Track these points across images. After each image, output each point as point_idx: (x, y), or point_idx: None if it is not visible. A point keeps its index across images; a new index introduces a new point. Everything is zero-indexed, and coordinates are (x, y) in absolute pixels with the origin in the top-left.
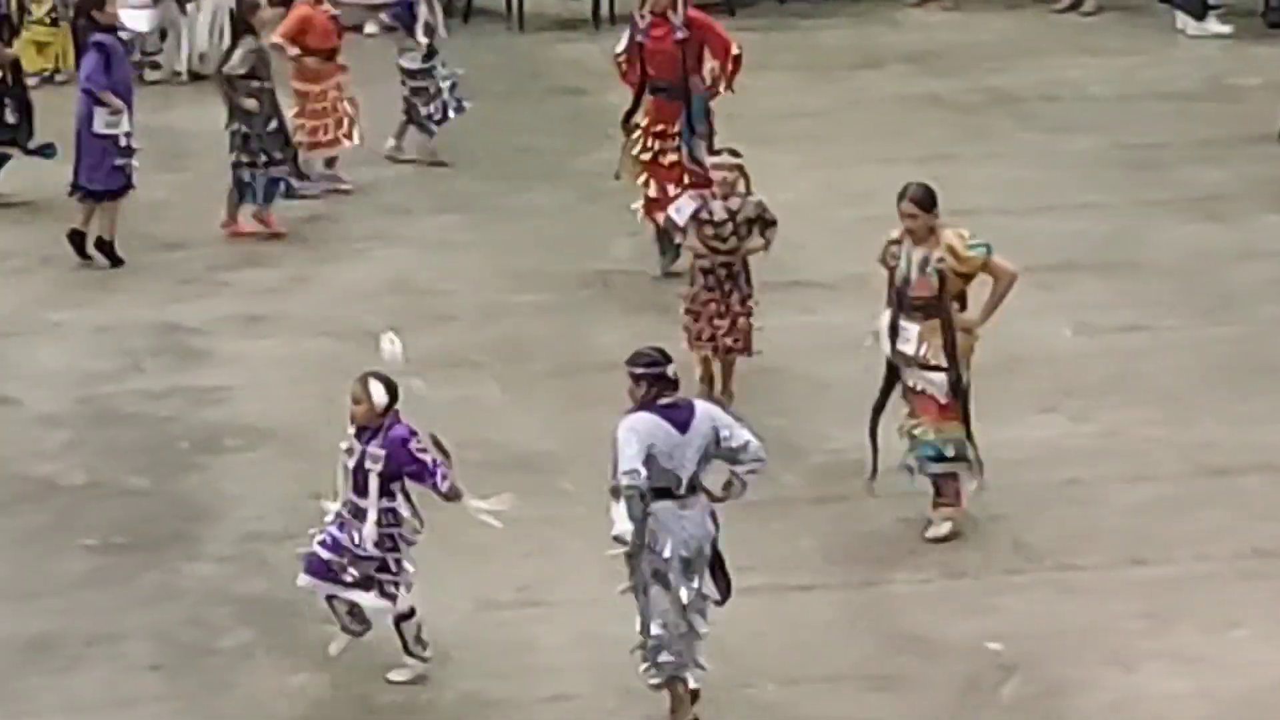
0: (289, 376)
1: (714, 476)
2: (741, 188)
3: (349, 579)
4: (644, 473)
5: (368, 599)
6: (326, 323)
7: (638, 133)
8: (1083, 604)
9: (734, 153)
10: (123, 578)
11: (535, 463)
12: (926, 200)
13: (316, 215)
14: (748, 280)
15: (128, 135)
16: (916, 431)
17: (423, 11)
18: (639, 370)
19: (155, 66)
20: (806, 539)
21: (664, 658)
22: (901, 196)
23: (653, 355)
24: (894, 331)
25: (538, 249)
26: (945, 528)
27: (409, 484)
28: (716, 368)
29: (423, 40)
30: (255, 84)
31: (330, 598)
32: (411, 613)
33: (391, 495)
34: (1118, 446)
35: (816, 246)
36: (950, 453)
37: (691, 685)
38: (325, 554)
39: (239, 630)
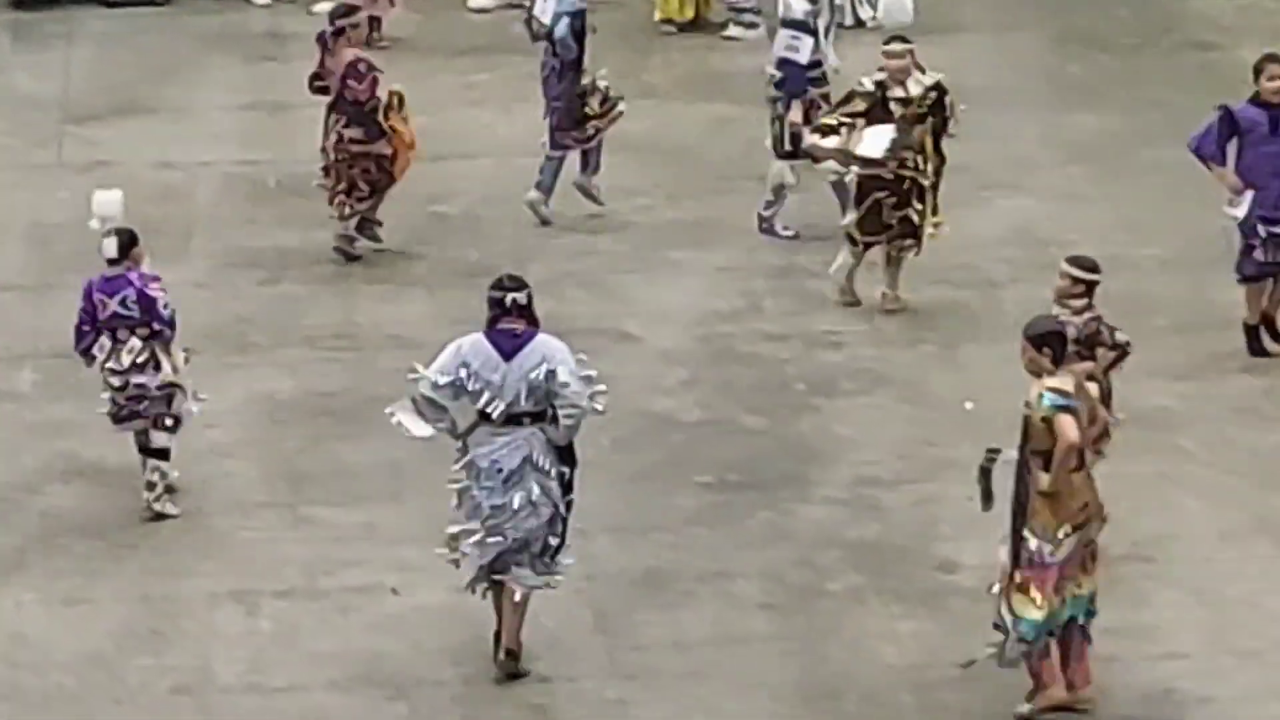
0: (906, 323)
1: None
2: None
3: None
4: (440, 382)
5: None
6: (945, 271)
7: None
8: None
9: None
10: (735, 516)
11: (1153, 419)
12: (1036, 340)
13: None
14: None
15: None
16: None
17: None
18: (487, 292)
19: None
20: None
21: (465, 547)
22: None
23: (501, 280)
24: None
25: (1165, 203)
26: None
27: None
28: None
29: None
30: None
31: None
32: None
33: None
34: None
35: None
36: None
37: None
38: None
39: (849, 574)
